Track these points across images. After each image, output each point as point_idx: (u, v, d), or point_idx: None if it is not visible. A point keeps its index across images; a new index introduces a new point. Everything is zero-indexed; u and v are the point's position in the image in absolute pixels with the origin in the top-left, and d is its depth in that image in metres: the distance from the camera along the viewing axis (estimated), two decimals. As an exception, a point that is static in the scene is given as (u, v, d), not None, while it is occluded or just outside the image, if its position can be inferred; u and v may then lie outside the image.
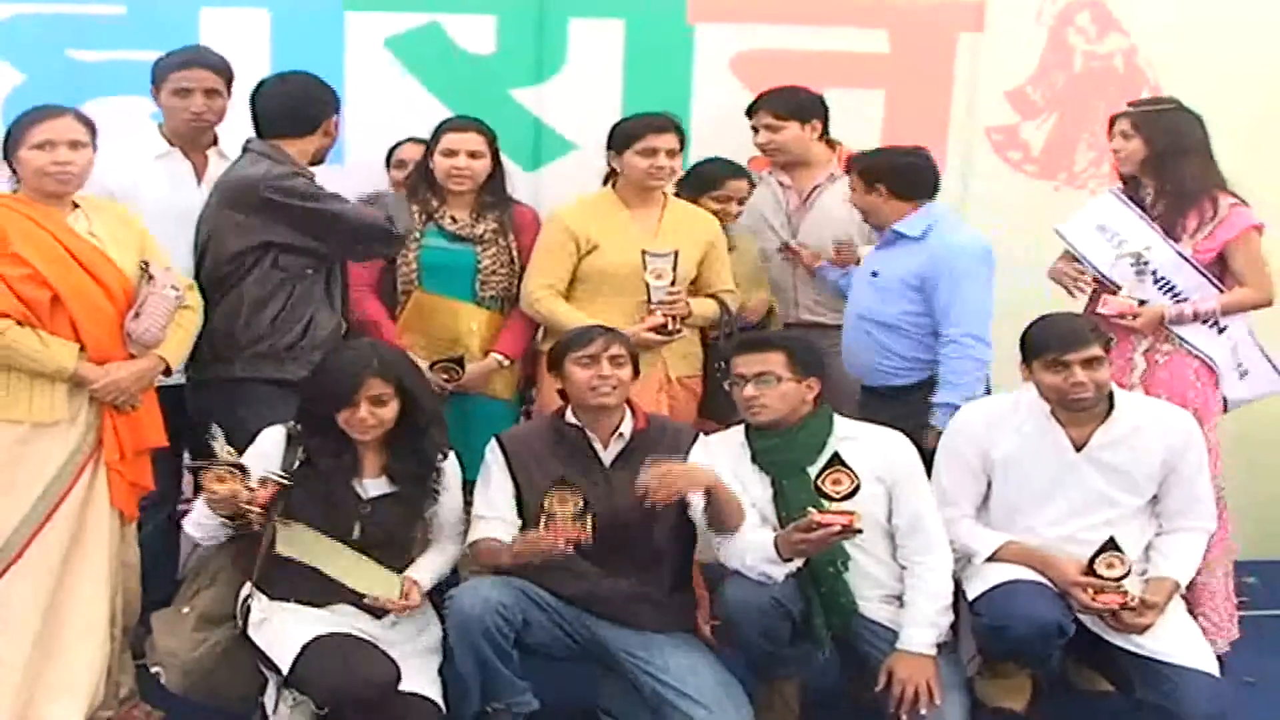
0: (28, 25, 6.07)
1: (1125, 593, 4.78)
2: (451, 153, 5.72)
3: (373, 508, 4.79)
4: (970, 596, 4.95)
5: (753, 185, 6.13)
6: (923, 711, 4.76)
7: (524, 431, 5.24)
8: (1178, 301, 5.61)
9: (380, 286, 5.73)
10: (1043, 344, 4.97)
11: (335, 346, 5.17)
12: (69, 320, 4.67)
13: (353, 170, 6.10)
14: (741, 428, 5.11)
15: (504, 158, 5.91)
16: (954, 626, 4.98)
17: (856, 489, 4.66)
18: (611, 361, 4.95)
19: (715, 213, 5.96)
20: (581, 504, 4.62)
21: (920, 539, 4.96)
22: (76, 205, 4.83)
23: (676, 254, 5.56)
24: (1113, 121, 5.79)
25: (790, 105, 6.13)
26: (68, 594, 4.75)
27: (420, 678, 4.66)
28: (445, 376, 5.59)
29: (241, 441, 4.81)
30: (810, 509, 4.69)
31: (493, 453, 5.05)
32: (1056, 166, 6.82)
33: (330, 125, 5.40)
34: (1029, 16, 6.78)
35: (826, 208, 6.17)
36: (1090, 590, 4.78)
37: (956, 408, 5.29)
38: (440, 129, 5.78)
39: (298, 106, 5.34)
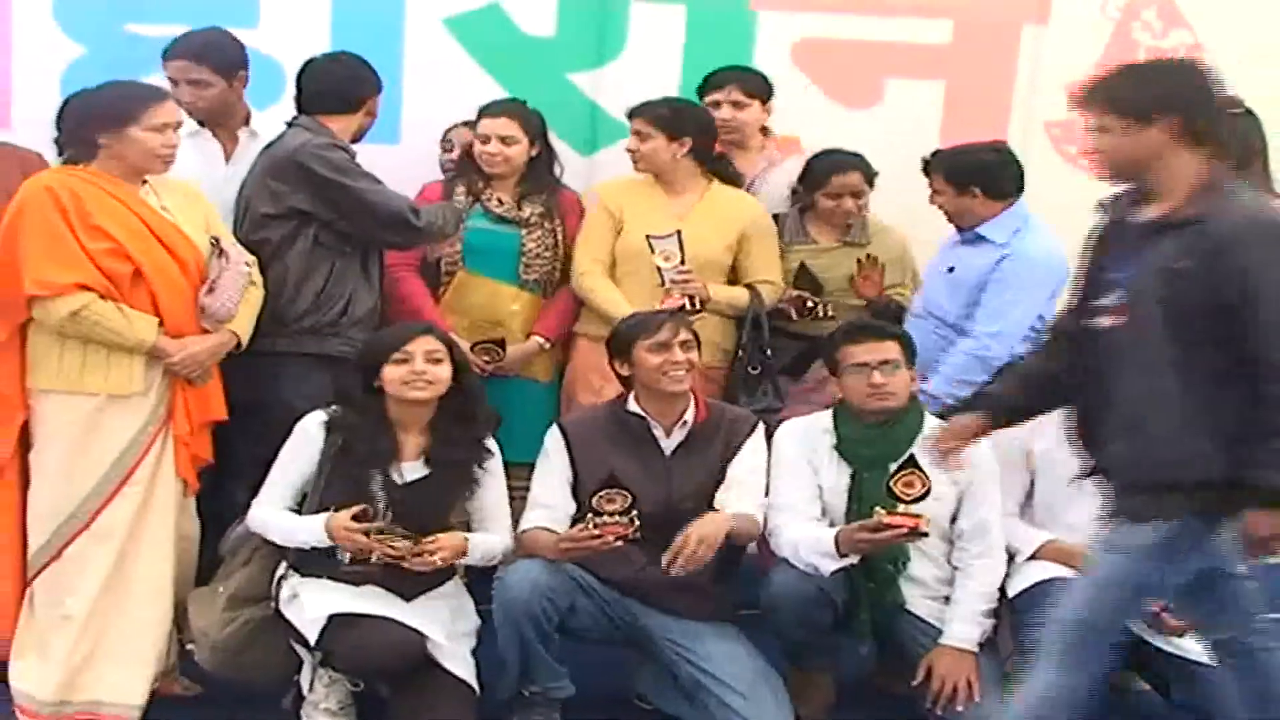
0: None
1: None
2: (484, 139, 5.75)
3: (404, 494, 4.80)
4: (1010, 594, 4.95)
5: (867, 177, 5.89)
6: (959, 708, 4.75)
7: (586, 418, 5.22)
8: None
9: (423, 266, 5.75)
10: None
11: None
12: (149, 294, 4.75)
13: (407, 149, 6.12)
14: (829, 414, 5.08)
15: (561, 142, 5.96)
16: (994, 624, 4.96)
17: (927, 492, 4.68)
18: (682, 346, 4.94)
19: (831, 210, 5.87)
20: (629, 502, 4.61)
21: (981, 544, 4.96)
22: (144, 181, 4.89)
23: (679, 234, 5.53)
24: None
25: (759, 85, 6.10)
26: (133, 562, 4.82)
27: (455, 660, 4.70)
28: (486, 358, 5.60)
29: (281, 416, 4.95)
30: (878, 508, 4.70)
31: (554, 439, 5.05)
32: (1117, 162, 6.70)
33: (372, 105, 5.49)
34: (1094, 9, 6.71)
35: (771, 197, 6.10)
36: None
37: (940, 402, 5.27)
38: (479, 113, 5.82)
39: (342, 85, 5.44)
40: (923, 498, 4.70)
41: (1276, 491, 3.78)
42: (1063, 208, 5.89)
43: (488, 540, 4.91)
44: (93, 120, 4.78)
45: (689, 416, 5.01)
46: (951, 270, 5.61)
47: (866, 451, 4.99)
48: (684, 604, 4.93)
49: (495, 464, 5.02)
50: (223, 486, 5.18)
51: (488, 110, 5.80)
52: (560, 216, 5.83)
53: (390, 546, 4.60)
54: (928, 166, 5.68)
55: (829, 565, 4.75)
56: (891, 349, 4.98)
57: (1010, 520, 5.10)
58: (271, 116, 5.73)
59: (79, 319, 4.64)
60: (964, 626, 4.85)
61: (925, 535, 4.72)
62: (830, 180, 5.80)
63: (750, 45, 6.55)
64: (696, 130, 5.80)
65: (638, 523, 4.62)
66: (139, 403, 4.78)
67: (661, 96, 5.91)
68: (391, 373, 4.77)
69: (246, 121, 5.63)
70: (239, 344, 4.96)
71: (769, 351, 5.65)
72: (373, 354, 4.84)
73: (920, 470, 4.70)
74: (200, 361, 4.82)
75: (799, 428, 5.11)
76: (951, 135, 6.24)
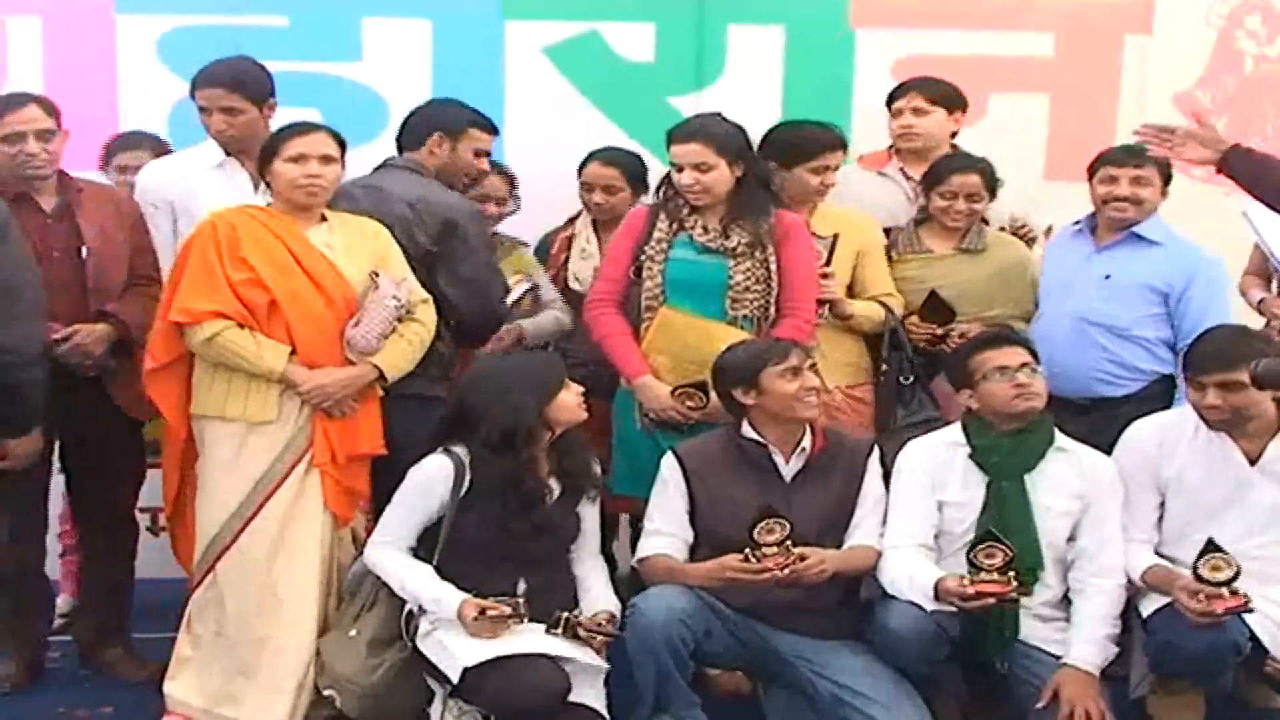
0: (190, 37, 6.18)
1: (1238, 594, 4.61)
2: (678, 167, 5.40)
3: (543, 517, 4.79)
4: (1144, 614, 4.85)
5: (988, 181, 5.69)
6: None
7: (701, 446, 5.09)
8: None
9: (625, 304, 5.38)
10: (1189, 358, 4.92)
11: (493, 360, 5.23)
12: (284, 324, 4.80)
13: (513, 177, 6.11)
14: (956, 427, 5.02)
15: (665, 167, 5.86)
16: (1124, 647, 4.88)
17: (1010, 562, 4.60)
18: (813, 369, 4.93)
19: (944, 209, 5.67)
20: (788, 532, 4.61)
21: (1100, 564, 4.86)
22: (325, 219, 4.96)
23: (836, 238, 5.46)
24: None
25: (940, 92, 5.98)
26: (278, 588, 4.85)
27: (586, 689, 4.63)
28: (690, 403, 5.20)
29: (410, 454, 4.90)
30: (965, 576, 4.63)
31: (670, 468, 4.98)
32: (1228, 173, 6.65)
33: (446, 142, 5.43)
34: (1197, 18, 6.65)
35: None
36: (1201, 596, 4.61)
37: None
38: (667, 138, 5.40)
39: (414, 121, 5.50)
40: (1005, 568, 4.61)
41: None
42: (1175, 217, 5.87)
43: (607, 586, 4.92)
44: (259, 160, 4.97)
45: (806, 443, 4.95)
46: (1108, 277, 5.50)
47: (1005, 459, 4.91)
48: (811, 624, 4.87)
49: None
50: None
51: (674, 135, 5.34)
52: (774, 243, 5.30)
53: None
54: (1138, 158, 5.45)
55: (929, 606, 4.70)
56: (1027, 354, 4.93)
57: (1131, 544, 4.99)
58: (376, 150, 5.74)
59: (214, 345, 4.73)
60: (1087, 648, 4.75)
61: (1016, 602, 4.67)
62: (949, 178, 5.69)
63: (850, 64, 6.55)
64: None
65: (795, 552, 4.61)
66: (276, 431, 4.82)
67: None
68: (566, 399, 4.79)
69: None
70: (383, 377, 4.95)
71: (914, 362, 5.53)
72: (543, 390, 4.78)
73: (1001, 542, 4.63)
74: (330, 393, 4.81)
75: (925, 447, 5.04)
76: (1058, 149, 6.21)
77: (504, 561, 4.71)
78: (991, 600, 4.58)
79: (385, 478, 4.96)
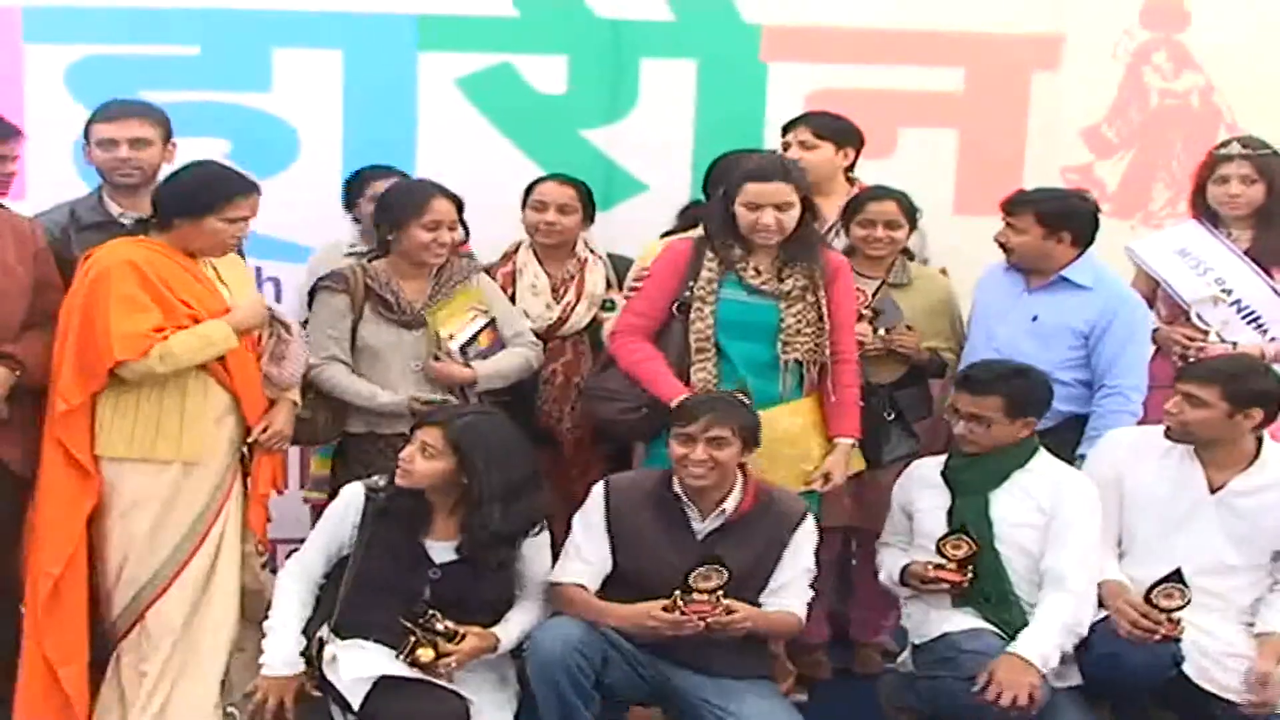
0: (101, 66, 6.10)
1: (1176, 624, 4.68)
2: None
3: (442, 573, 4.70)
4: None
5: (906, 210, 5.66)
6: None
7: (634, 481, 5.01)
8: (1259, 330, 5.53)
9: (666, 339, 5.19)
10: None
11: None
12: (224, 364, 4.80)
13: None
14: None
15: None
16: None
17: (972, 555, 4.89)
18: (710, 444, 4.73)
19: (864, 239, 5.62)
20: (724, 580, 4.58)
21: (1066, 587, 4.85)
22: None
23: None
24: (1213, 162, 5.66)
25: (831, 127, 5.96)
26: (203, 619, 4.84)
27: (494, 723, 4.64)
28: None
29: None
30: (929, 563, 4.97)
31: (597, 495, 4.92)
32: (1133, 206, 6.75)
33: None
34: (1105, 54, 6.72)
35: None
36: (1143, 616, 4.68)
37: None
38: (744, 177, 5.12)
39: None
40: (968, 560, 4.90)
41: None
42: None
43: (520, 622, 4.82)
44: (175, 203, 4.76)
45: (729, 504, 4.84)
46: (1035, 319, 5.49)
47: (964, 478, 5.06)
48: (717, 662, 4.81)
49: (536, 541, 4.86)
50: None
51: (755, 174, 5.10)
52: (825, 285, 5.17)
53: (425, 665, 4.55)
54: (1011, 205, 5.50)
55: (902, 592, 5.14)
56: (989, 405, 4.95)
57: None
58: (285, 181, 5.71)
59: (167, 360, 4.61)
60: (1033, 641, 4.74)
61: (966, 591, 4.90)
62: (866, 207, 5.67)
63: (763, 98, 6.57)
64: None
65: (724, 604, 4.59)
66: (208, 471, 4.80)
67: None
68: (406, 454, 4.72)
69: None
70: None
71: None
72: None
73: (968, 536, 4.87)
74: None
75: (919, 467, 5.29)
76: (967, 183, 6.25)
77: (410, 600, 4.64)
78: (944, 587, 4.92)
79: None
